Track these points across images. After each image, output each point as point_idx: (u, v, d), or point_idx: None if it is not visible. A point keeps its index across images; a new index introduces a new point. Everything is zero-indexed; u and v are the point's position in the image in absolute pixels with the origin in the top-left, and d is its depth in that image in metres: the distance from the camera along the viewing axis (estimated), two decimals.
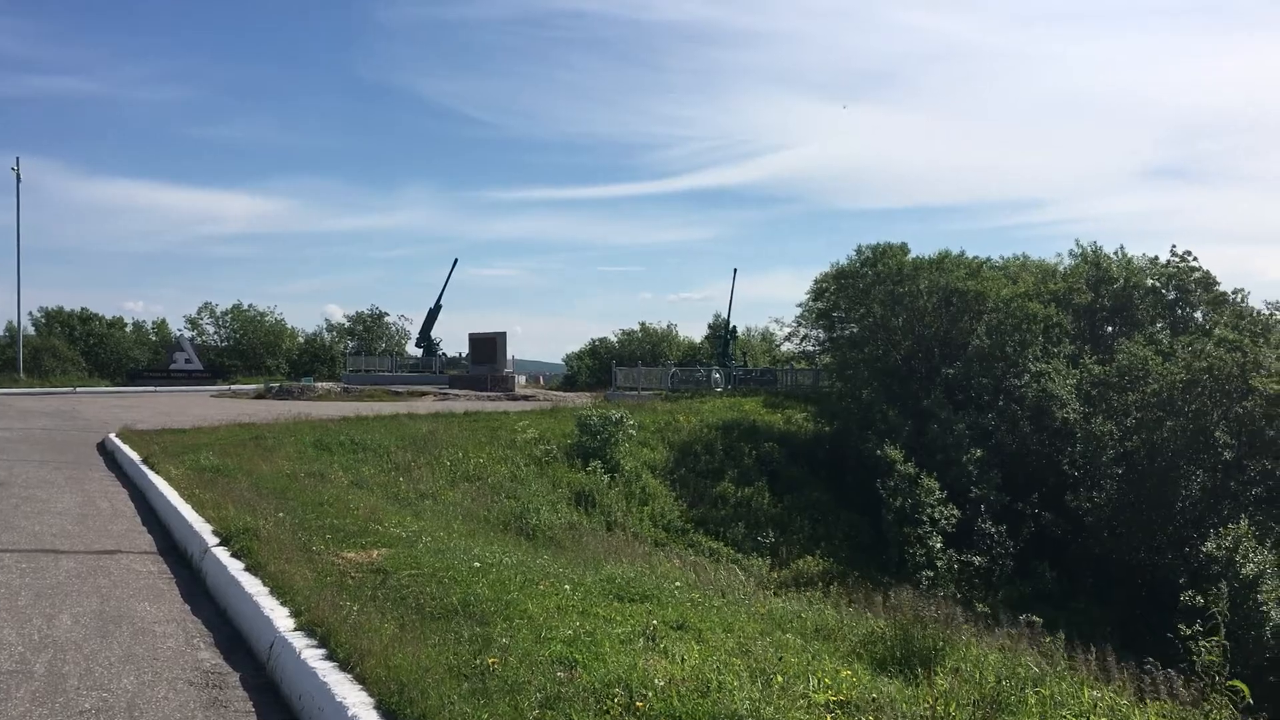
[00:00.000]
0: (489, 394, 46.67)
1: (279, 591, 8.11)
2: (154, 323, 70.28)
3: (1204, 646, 7.34)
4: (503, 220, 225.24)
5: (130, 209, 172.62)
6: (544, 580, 9.58)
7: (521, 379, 56.91)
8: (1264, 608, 22.80)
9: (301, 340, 71.18)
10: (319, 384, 50.49)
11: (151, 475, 16.07)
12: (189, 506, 12.48)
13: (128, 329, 67.27)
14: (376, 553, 9.91)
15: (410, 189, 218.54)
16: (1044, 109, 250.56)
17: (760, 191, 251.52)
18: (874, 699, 6.45)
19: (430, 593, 8.26)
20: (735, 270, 52.47)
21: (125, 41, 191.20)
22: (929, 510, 27.28)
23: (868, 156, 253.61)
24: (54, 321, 63.99)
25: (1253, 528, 23.84)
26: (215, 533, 10.62)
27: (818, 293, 42.00)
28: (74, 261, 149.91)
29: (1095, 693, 7.45)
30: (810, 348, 49.49)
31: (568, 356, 69.00)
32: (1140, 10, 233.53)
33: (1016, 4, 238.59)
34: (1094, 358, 30.92)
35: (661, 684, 6.02)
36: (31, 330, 61.74)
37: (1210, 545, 23.69)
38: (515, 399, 44.42)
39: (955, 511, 27.37)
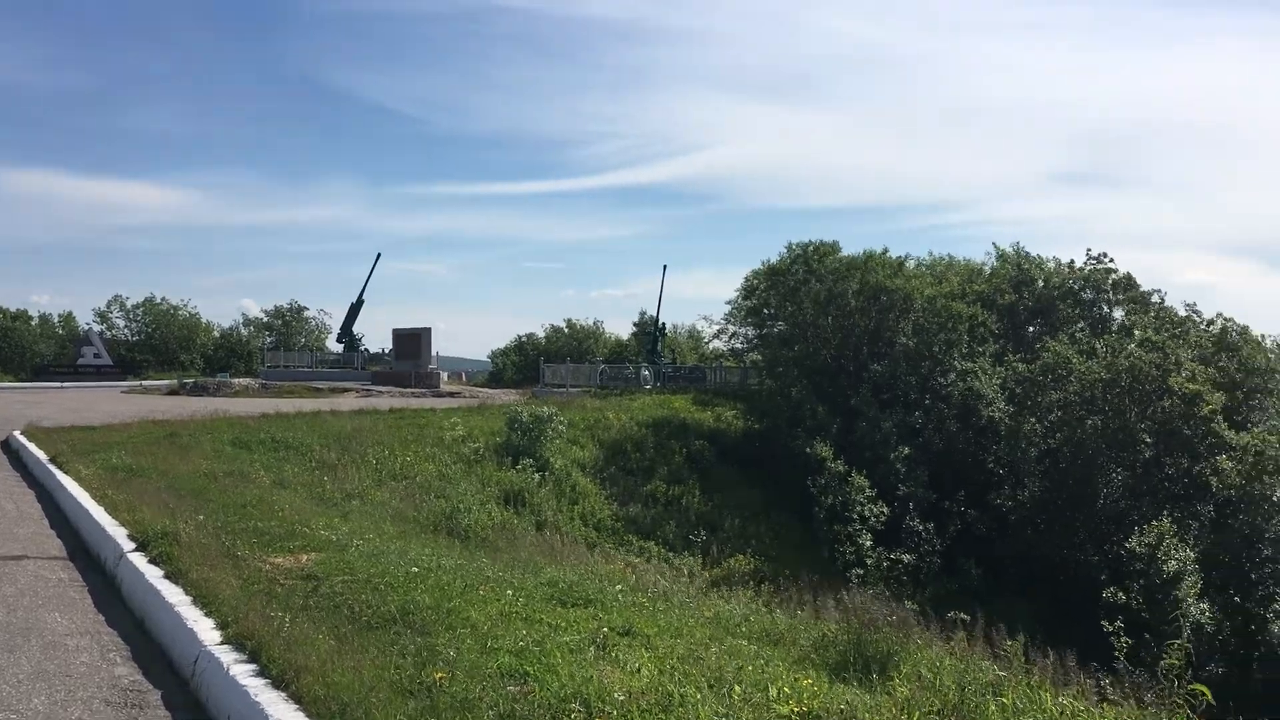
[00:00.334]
0: (413, 391, 45.84)
1: (203, 601, 7.60)
2: (61, 316, 67.88)
3: (1169, 652, 7.17)
4: (426, 216, 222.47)
5: (33, 198, 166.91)
6: (484, 585, 9.17)
7: (445, 376, 56.04)
8: (1184, 605, 23.17)
9: (217, 335, 69.31)
10: (236, 380, 49.13)
11: (60, 475, 15.28)
12: (101, 509, 11.81)
13: (33, 322, 64.83)
14: (306, 557, 9.41)
15: (331, 182, 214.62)
16: (959, 114, 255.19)
17: (685, 189, 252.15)
18: (840, 709, 6.18)
19: (366, 600, 7.81)
20: (665, 267, 52.48)
21: (19, 24, 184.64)
22: (859, 508, 27.29)
23: (791, 156, 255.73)
24: None
25: (1173, 525, 24.22)
26: (131, 537, 10.01)
27: (749, 290, 41.94)
28: None
29: (1060, 700, 7.25)
30: (739, 345, 49.48)
31: (493, 353, 68.18)
32: (1051, 22, 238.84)
33: (933, 12, 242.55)
34: (1019, 356, 31.27)
35: (621, 698, 5.69)
36: None
37: (1133, 543, 24.01)
38: (441, 396, 43.68)
39: (884, 509, 27.42)
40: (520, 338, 67.61)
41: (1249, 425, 28.23)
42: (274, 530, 10.78)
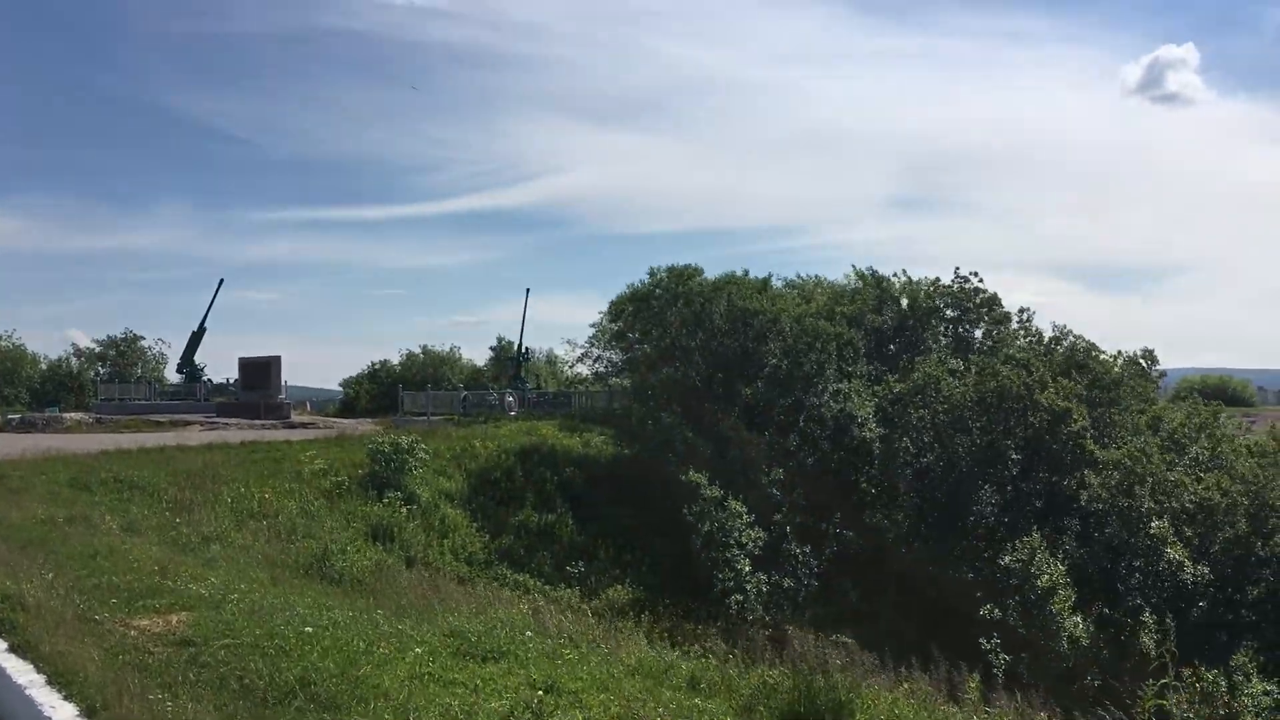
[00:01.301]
0: (263, 422, 43.54)
1: (61, 680, 6.41)
2: None
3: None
4: (263, 242, 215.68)
5: None
6: (383, 642, 8.18)
7: (297, 406, 53.67)
8: (1058, 619, 23.46)
9: (44, 367, 64.72)
10: (67, 414, 45.79)
11: None
12: None
13: None
14: (176, 618, 8.23)
15: (162, 208, 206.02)
16: (798, 141, 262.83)
17: (534, 215, 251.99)
18: None
19: (258, 670, 6.76)
20: (528, 291, 51.15)
21: None
22: (736, 534, 26.86)
23: (637, 182, 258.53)
24: None
25: (1043, 541, 24.56)
26: None
27: (616, 313, 41.30)
28: None
29: None
30: (602, 369, 48.78)
31: (345, 381, 65.58)
32: (883, 54, 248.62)
33: (772, 42, 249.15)
34: (894, 377, 31.49)
35: None
36: None
37: (1007, 559, 24.23)
38: (294, 427, 41.60)
39: (761, 534, 27.07)
40: (374, 365, 65.31)
41: (1104, 440, 29.02)
42: (133, 586, 9.50)
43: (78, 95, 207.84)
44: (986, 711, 8.81)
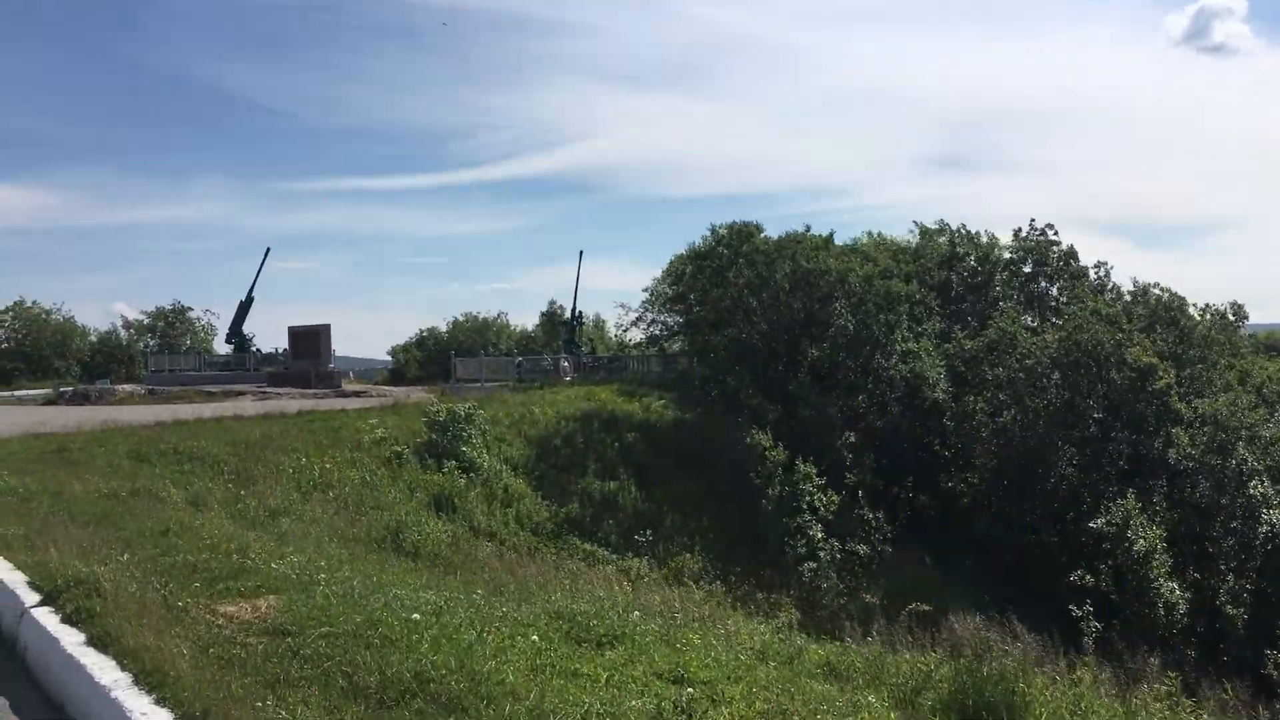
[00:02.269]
0: (315, 391, 43.05)
1: (149, 680, 5.62)
2: None
3: None
4: (301, 212, 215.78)
5: None
6: (492, 628, 7.37)
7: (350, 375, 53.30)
8: (1155, 585, 22.40)
9: (94, 340, 64.76)
10: (119, 386, 45.60)
11: None
12: None
13: None
14: (265, 603, 7.45)
15: (204, 180, 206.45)
16: (836, 102, 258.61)
17: (569, 181, 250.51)
18: None
19: (366, 664, 5.94)
20: (581, 253, 50.30)
21: None
22: (808, 498, 25.98)
23: (674, 147, 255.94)
24: None
25: (1138, 503, 23.47)
26: (34, 585, 7.86)
27: (676, 275, 40.23)
28: None
29: None
30: (657, 333, 47.78)
31: (394, 349, 65.25)
32: (920, 12, 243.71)
33: (809, 2, 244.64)
34: (965, 333, 30.32)
35: None
36: None
37: (1099, 522, 23.16)
38: (346, 396, 41.04)
39: (835, 499, 26.15)
40: (421, 332, 64.89)
41: (1191, 398, 27.78)
42: (212, 566, 8.74)
43: (117, 70, 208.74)
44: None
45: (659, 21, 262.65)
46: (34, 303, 62.45)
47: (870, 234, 43.79)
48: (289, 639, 6.46)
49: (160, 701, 5.29)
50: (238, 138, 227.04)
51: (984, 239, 36.42)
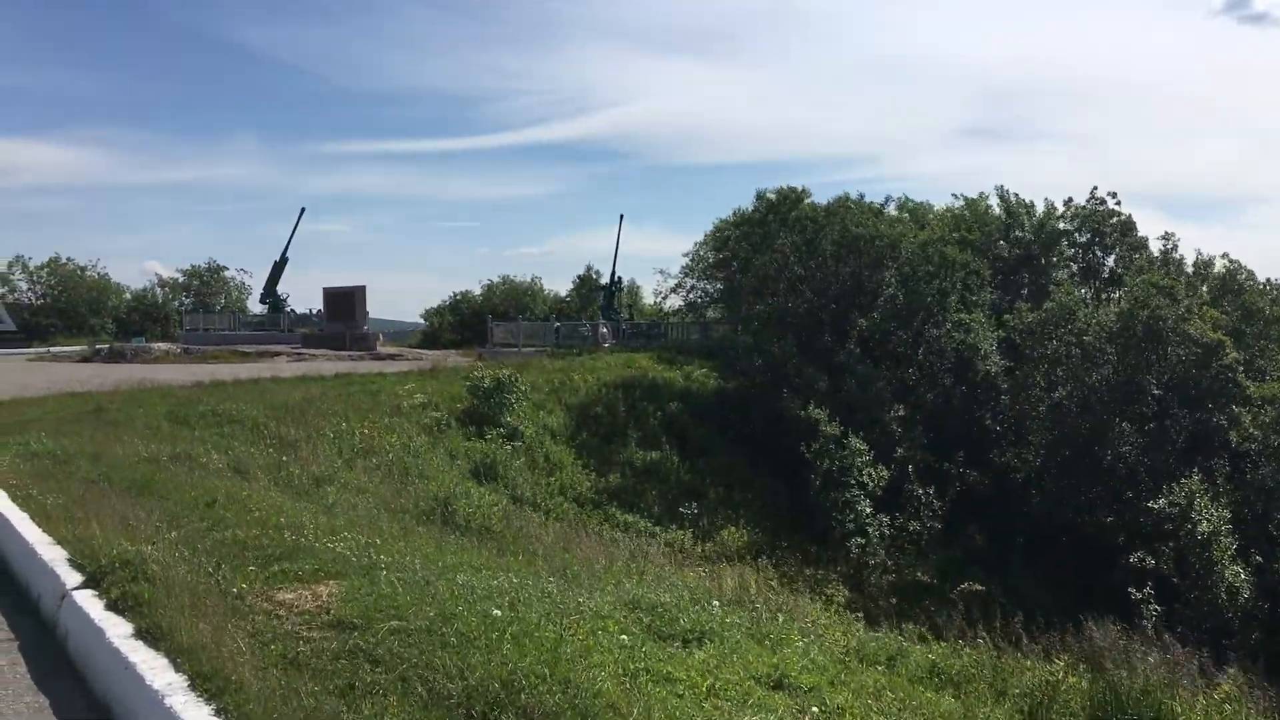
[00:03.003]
0: (350, 353, 42.67)
1: (207, 684, 5.00)
2: None
3: None
4: (334, 174, 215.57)
5: None
6: (570, 622, 6.73)
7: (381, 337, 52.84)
8: (1218, 567, 21.60)
9: (129, 298, 64.74)
10: (154, 345, 45.34)
11: None
12: (27, 518, 9.02)
13: None
14: (325, 590, 6.84)
15: (235, 141, 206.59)
16: (869, 70, 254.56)
17: (600, 147, 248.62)
18: None
19: (446, 668, 5.30)
20: (621, 217, 49.09)
21: None
22: (857, 473, 25.26)
23: (704, 112, 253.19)
24: None
25: (1202, 483, 22.61)
26: (76, 564, 7.28)
27: (720, 241, 39.34)
28: None
29: None
30: (697, 299, 46.94)
31: (427, 312, 64.84)
32: None
33: None
34: (1027, 306, 29.32)
35: None
36: None
37: (1161, 502, 22.33)
38: (381, 358, 40.66)
39: (885, 473, 25.42)
40: (455, 296, 64.39)
41: (1256, 375, 26.83)
42: (263, 544, 8.15)
43: (151, 31, 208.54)
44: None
45: None
46: (69, 259, 62.47)
47: (908, 200, 42.73)
48: (357, 635, 5.84)
49: (221, 713, 4.67)
50: (271, 99, 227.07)
51: (1040, 207, 35.31)
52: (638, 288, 65.31)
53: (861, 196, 32.11)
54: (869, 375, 27.52)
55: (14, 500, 9.85)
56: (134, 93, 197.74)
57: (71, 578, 7.01)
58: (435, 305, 64.42)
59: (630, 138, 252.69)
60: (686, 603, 8.12)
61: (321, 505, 12.10)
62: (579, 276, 63.27)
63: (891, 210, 35.35)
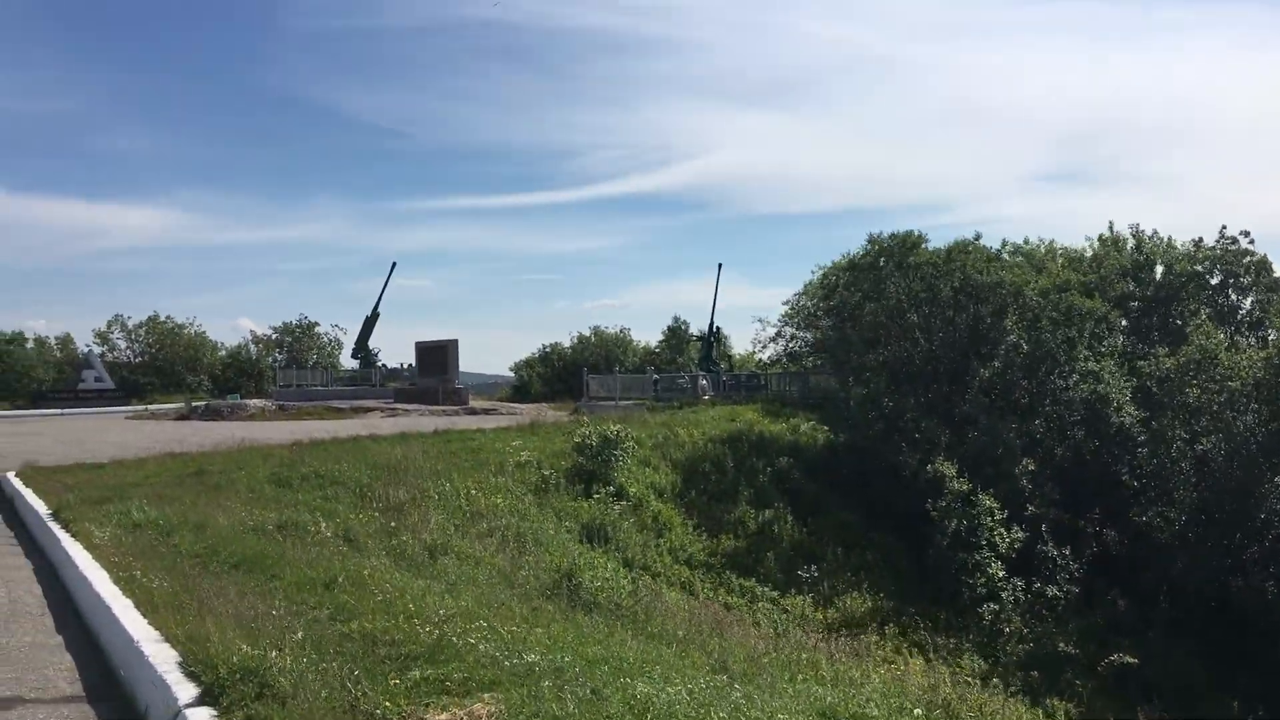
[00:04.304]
0: (443, 408, 42.07)
1: None
2: (58, 338, 63.79)
3: None
4: (413, 231, 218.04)
5: (24, 224, 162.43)
6: None
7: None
8: None
9: (224, 354, 65.34)
10: (250, 401, 45.32)
11: (66, 540, 11.56)
12: (131, 604, 8.05)
13: (29, 346, 60.83)
14: (483, 709, 5.68)
15: (319, 200, 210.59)
16: (941, 116, 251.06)
17: (676, 199, 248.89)
18: None
19: None
20: (720, 265, 48.00)
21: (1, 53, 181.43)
22: (987, 533, 23.62)
23: (779, 163, 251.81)
24: None
25: None
26: (190, 672, 6.24)
27: (829, 289, 37.95)
28: None
29: None
30: (796, 349, 45.49)
31: (516, 365, 64.35)
32: (1025, 24, 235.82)
33: (911, 17, 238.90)
34: (1164, 351, 27.44)
35: None
36: None
37: None
38: (475, 413, 39.92)
39: (1019, 534, 23.71)
40: (544, 348, 63.82)
41: None
42: (399, 640, 7.04)
43: (238, 95, 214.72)
44: None
45: (772, 39, 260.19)
46: (167, 317, 63.31)
47: (1042, 241, 40.74)
48: None
49: None
50: (355, 159, 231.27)
51: (1178, 247, 33.26)
52: (725, 337, 64.20)
53: (978, 236, 30.49)
54: (995, 428, 25.84)
55: (117, 582, 8.93)
56: (225, 156, 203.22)
57: (185, 690, 5.96)
58: (524, 358, 63.96)
59: (706, 190, 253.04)
60: (885, 714, 6.82)
61: (443, 581, 11.02)
62: (668, 327, 62.40)
63: (999, 253, 33.64)
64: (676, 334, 61.20)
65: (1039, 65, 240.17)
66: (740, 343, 61.56)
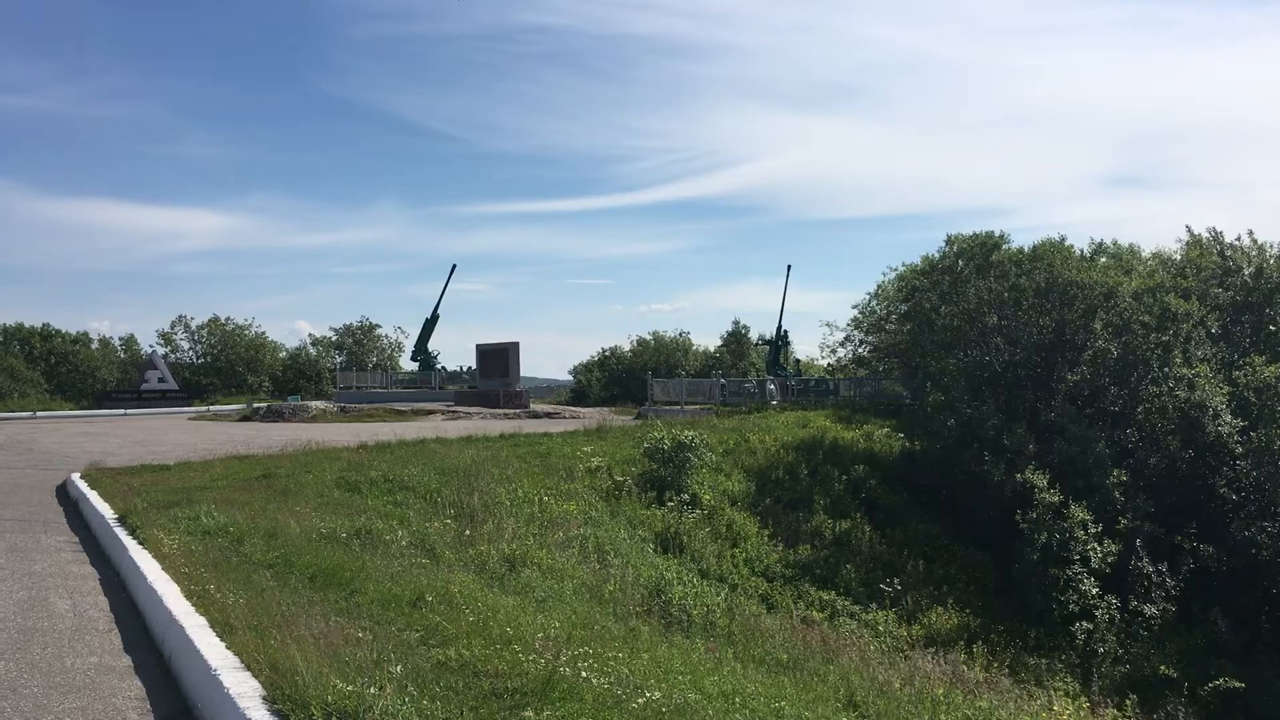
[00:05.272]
0: (505, 411, 41.53)
1: None
2: (122, 339, 64.39)
3: None
4: (468, 235, 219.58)
5: (91, 228, 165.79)
6: None
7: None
8: None
9: (284, 356, 65.53)
10: (311, 403, 45.13)
11: (134, 548, 10.97)
12: (207, 626, 7.36)
13: (93, 346, 61.39)
14: None
15: (377, 204, 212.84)
16: (1003, 120, 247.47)
17: (731, 203, 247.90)
18: None
19: None
20: (789, 268, 47.05)
21: (72, 59, 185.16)
22: (1080, 546, 22.45)
23: (836, 167, 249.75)
24: (11, 339, 58.07)
25: None
26: (277, 710, 5.51)
27: (908, 291, 36.80)
28: (35, 280, 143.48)
29: None
30: (865, 354, 44.35)
31: (575, 368, 63.90)
32: (1088, 24, 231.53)
33: (973, 19, 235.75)
34: (1262, 358, 26.09)
35: None
36: None
37: None
38: (537, 417, 39.34)
39: (1113, 548, 22.52)
40: (604, 352, 63.26)
41: None
42: (503, 672, 6.28)
43: (300, 101, 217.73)
44: None
45: (825, 42, 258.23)
46: (229, 318, 63.62)
47: (1127, 244, 39.24)
48: None
49: None
50: (413, 163, 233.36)
51: (1271, 250, 31.80)
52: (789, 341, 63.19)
53: (1063, 238, 29.25)
54: (1086, 436, 24.63)
55: (189, 597, 8.26)
56: (285, 161, 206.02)
57: None
58: (584, 361, 63.45)
59: (762, 194, 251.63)
60: None
61: (530, 598, 10.26)
62: (729, 331, 61.50)
63: (1089, 254, 32.33)
64: (738, 338, 60.33)
65: (1102, 68, 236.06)
66: (801, 347, 60.50)
